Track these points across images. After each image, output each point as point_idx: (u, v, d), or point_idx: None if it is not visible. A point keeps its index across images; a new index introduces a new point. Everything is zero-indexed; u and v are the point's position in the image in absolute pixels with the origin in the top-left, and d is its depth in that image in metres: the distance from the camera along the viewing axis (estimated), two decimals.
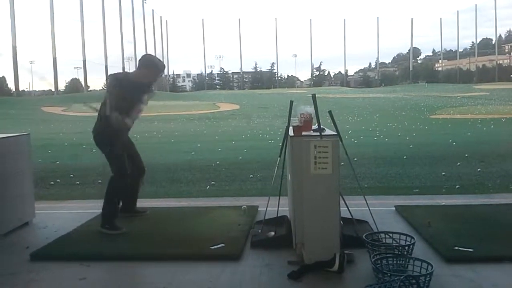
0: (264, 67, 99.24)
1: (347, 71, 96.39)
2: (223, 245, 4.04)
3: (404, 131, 16.28)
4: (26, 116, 28.23)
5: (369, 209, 4.33)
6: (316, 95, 4.12)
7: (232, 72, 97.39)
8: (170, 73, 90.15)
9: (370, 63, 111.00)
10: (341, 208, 3.80)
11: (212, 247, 3.99)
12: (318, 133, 3.79)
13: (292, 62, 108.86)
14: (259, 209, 5.13)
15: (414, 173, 7.69)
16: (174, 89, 78.82)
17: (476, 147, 10.75)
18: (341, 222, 3.97)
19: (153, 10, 76.43)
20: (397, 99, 38.36)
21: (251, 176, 7.79)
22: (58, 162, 9.95)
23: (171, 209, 5.55)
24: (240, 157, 10.02)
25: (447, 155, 9.48)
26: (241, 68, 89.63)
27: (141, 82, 4.74)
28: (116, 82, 4.70)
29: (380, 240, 3.82)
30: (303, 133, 3.98)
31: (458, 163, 8.42)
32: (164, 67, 4.95)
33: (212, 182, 7.34)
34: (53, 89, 59.30)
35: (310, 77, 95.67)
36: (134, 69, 5.04)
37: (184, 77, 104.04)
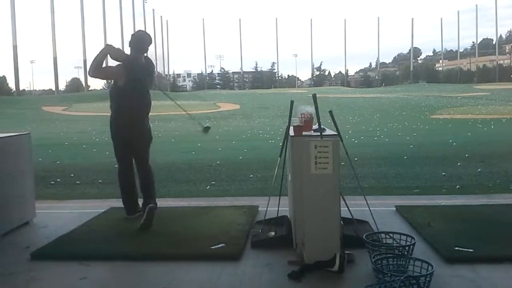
0: (265, 67, 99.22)
1: (347, 71, 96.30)
2: (223, 245, 4.04)
3: (404, 131, 16.27)
4: (26, 116, 28.22)
5: (370, 209, 4.34)
6: (317, 95, 4.12)
7: (233, 72, 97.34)
8: (171, 72, 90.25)
9: (370, 63, 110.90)
10: (341, 208, 3.80)
11: (213, 247, 3.99)
12: (319, 133, 3.79)
13: (292, 62, 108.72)
14: (259, 209, 5.13)
15: (415, 173, 7.69)
16: (174, 89, 78.72)
17: (477, 147, 10.75)
18: (342, 222, 3.97)
19: (153, 10, 76.32)
20: (398, 99, 38.32)
21: (251, 176, 7.79)
22: (58, 162, 9.95)
23: (171, 209, 5.55)
24: (241, 157, 10.02)
25: (447, 155, 9.48)
26: (241, 67, 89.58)
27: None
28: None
29: (380, 240, 3.82)
30: (304, 133, 3.99)
31: (459, 163, 8.42)
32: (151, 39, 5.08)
33: (212, 182, 7.34)
34: (54, 89, 59.30)
35: (310, 77, 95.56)
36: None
37: (184, 76, 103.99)
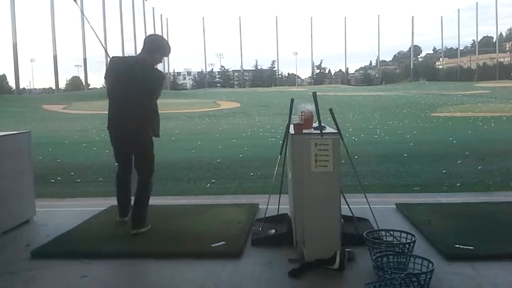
0: (265, 65, 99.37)
1: (347, 69, 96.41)
2: (223, 243, 4.04)
3: (404, 129, 16.27)
4: (26, 114, 28.23)
5: (370, 207, 4.33)
6: (317, 93, 4.12)
7: (233, 70, 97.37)
8: (171, 71, 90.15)
9: (370, 61, 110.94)
10: (341, 206, 3.80)
11: (213, 245, 3.99)
12: (319, 131, 3.79)
13: (292, 60, 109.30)
14: (259, 207, 5.13)
15: (415, 171, 7.69)
16: (174, 87, 78.73)
17: (477, 145, 10.75)
18: (342, 220, 3.96)
19: (153, 8, 76.39)
20: (398, 97, 38.31)
21: (251, 174, 7.79)
22: (58, 160, 9.96)
23: (171, 207, 5.55)
24: (241, 155, 10.03)
25: (447, 153, 9.48)
26: (241, 66, 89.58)
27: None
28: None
29: (380, 238, 3.82)
30: (304, 131, 3.98)
31: (459, 161, 8.42)
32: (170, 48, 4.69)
33: (213, 180, 7.34)
34: (54, 87, 59.29)
35: (310, 75, 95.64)
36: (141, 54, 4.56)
37: (184, 75, 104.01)
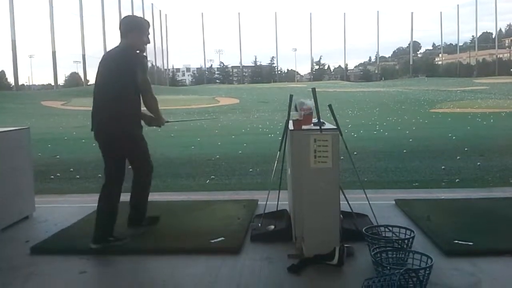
0: (264, 61, 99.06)
1: (347, 65, 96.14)
2: (223, 238, 4.05)
3: (404, 125, 16.26)
4: (25, 110, 28.19)
5: (369, 203, 4.34)
6: (316, 89, 4.12)
7: (232, 66, 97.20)
8: (170, 67, 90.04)
9: (370, 57, 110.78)
10: (341, 202, 3.80)
11: (212, 241, 4.00)
12: (318, 127, 3.78)
13: (292, 56, 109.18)
14: (259, 203, 5.14)
15: (414, 167, 7.70)
16: (173, 83, 78.65)
17: (476, 141, 10.75)
18: (341, 215, 3.97)
19: (152, 4, 76.06)
20: (397, 93, 38.29)
21: (250, 170, 7.79)
22: (58, 156, 9.95)
23: (170, 203, 5.55)
24: (240, 151, 10.02)
25: (446, 149, 9.49)
26: (240, 62, 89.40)
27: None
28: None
29: (379, 233, 3.82)
30: (303, 127, 3.98)
31: (458, 157, 8.43)
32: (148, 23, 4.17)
33: (212, 176, 7.34)
34: (53, 83, 59.22)
35: (310, 71, 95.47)
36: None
37: (183, 71, 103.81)
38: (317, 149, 3.49)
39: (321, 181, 3.53)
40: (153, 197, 5.81)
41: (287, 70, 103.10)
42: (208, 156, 9.37)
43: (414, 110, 23.64)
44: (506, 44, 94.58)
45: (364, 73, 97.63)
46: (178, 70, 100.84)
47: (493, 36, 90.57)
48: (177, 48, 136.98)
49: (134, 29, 4.03)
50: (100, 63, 4.06)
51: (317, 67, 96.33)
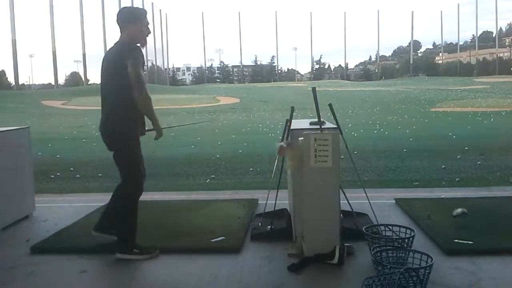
0: (264, 60, 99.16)
1: (347, 64, 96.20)
2: (223, 238, 4.05)
3: (404, 124, 16.26)
4: (26, 110, 28.21)
5: (369, 202, 4.34)
6: (316, 89, 4.11)
7: (232, 66, 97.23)
8: (170, 66, 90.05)
9: (370, 56, 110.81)
10: (341, 201, 3.80)
11: (212, 240, 4.00)
12: (319, 126, 3.78)
13: (292, 56, 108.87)
14: (259, 202, 5.14)
15: (414, 166, 7.69)
16: (174, 83, 78.69)
17: (476, 140, 10.75)
18: (341, 215, 3.97)
19: (152, 3, 75.98)
20: (397, 92, 38.30)
21: (251, 169, 7.79)
22: (58, 156, 9.96)
23: (171, 202, 5.55)
24: (240, 151, 10.03)
25: (447, 148, 9.49)
26: (241, 61, 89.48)
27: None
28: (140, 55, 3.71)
29: (380, 232, 3.83)
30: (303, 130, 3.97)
31: (458, 156, 8.43)
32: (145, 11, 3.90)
33: (212, 176, 7.34)
34: (53, 83, 59.23)
35: (310, 70, 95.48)
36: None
37: (184, 70, 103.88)
38: (318, 148, 3.49)
39: (321, 180, 3.53)
40: (153, 196, 5.83)
41: (288, 69, 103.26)
42: (208, 155, 9.37)
43: (415, 109, 23.65)
44: (507, 43, 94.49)
45: (365, 72, 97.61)
46: (178, 69, 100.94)
47: (494, 35, 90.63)
48: (177, 47, 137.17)
49: (132, 21, 3.73)
50: (101, 62, 3.86)
51: (317, 66, 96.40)
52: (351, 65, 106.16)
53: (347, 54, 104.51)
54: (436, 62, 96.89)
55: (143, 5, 71.03)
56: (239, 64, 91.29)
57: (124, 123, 3.67)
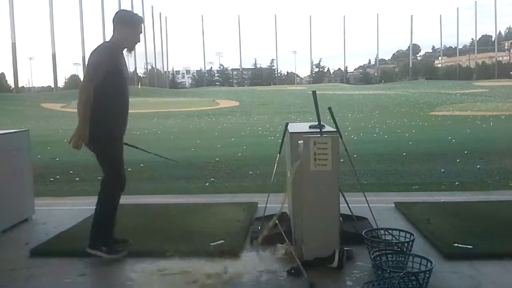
0: (264, 63, 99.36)
1: (346, 67, 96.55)
2: (222, 241, 4.04)
3: (403, 127, 16.28)
4: (25, 113, 28.22)
5: (369, 206, 4.33)
6: (316, 92, 4.12)
7: (232, 69, 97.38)
8: (170, 69, 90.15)
9: (369, 60, 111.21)
10: (340, 205, 3.80)
11: (212, 244, 3.99)
12: (318, 130, 3.78)
13: (291, 59, 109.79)
14: (258, 205, 5.13)
15: (414, 170, 7.70)
16: (173, 86, 78.81)
17: (476, 144, 10.76)
18: (341, 218, 3.96)
19: (152, 6, 76.34)
20: (397, 96, 38.36)
21: (250, 172, 7.79)
22: (57, 159, 9.95)
23: (170, 205, 5.54)
24: (240, 154, 10.03)
25: (446, 152, 9.49)
26: (240, 64, 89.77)
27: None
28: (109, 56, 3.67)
29: (379, 236, 3.82)
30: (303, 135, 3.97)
31: (458, 160, 8.43)
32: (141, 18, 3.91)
33: (212, 179, 7.33)
34: (53, 86, 59.27)
35: (309, 73, 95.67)
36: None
37: (183, 73, 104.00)
38: (317, 152, 3.49)
39: (320, 184, 3.53)
40: (152, 199, 5.84)
41: (287, 72, 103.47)
42: (207, 158, 9.37)
43: (414, 113, 23.68)
44: (506, 47, 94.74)
45: (364, 76, 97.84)
46: (178, 72, 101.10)
47: (493, 39, 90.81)
48: (177, 51, 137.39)
49: (127, 25, 3.74)
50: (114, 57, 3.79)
51: (316, 69, 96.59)
52: (350, 69, 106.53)
53: (346, 58, 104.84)
54: (436, 65, 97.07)
55: (143, 8, 71.29)
56: (239, 67, 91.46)
57: (97, 125, 3.64)
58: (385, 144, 11.43)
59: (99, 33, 61.02)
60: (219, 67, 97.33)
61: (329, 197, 3.56)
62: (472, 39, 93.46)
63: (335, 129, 4.03)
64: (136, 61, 74.07)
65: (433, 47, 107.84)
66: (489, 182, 6.62)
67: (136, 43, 3.84)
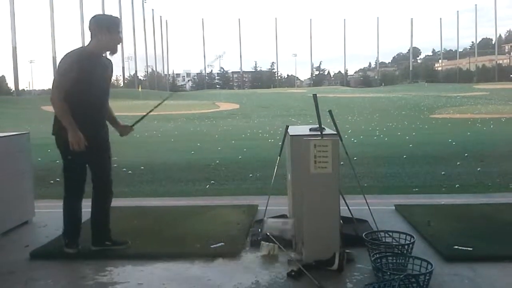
0: (264, 66, 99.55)
1: (347, 70, 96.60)
2: (222, 243, 4.04)
3: (403, 130, 16.28)
4: (26, 115, 28.23)
5: (369, 208, 4.34)
6: (316, 95, 4.12)
7: (232, 72, 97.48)
8: (170, 72, 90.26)
9: (370, 63, 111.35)
10: (341, 207, 3.80)
11: (212, 246, 3.99)
12: (319, 132, 3.79)
13: (292, 62, 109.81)
14: (258, 208, 5.13)
15: (414, 173, 7.70)
16: (174, 89, 78.81)
17: (476, 146, 10.76)
18: (341, 221, 3.96)
19: (153, 9, 76.67)
20: (397, 99, 38.36)
21: (250, 175, 7.79)
22: (58, 161, 9.90)
23: (171, 208, 5.54)
24: (240, 157, 10.02)
25: (446, 155, 9.49)
26: (241, 67, 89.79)
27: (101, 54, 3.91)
28: (79, 63, 3.75)
29: (379, 239, 3.82)
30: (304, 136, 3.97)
31: (458, 163, 8.43)
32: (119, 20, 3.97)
33: (212, 181, 7.33)
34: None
35: (310, 76, 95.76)
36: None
37: (184, 76, 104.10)
38: (317, 154, 3.50)
39: (321, 186, 3.53)
40: (152, 202, 5.84)
41: (287, 75, 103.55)
42: (208, 161, 9.37)
43: (414, 116, 23.69)
44: (506, 50, 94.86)
45: (364, 79, 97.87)
46: (178, 75, 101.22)
47: (493, 42, 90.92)
48: (178, 54, 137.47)
49: (109, 29, 3.77)
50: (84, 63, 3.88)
51: (317, 72, 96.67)
52: (350, 72, 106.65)
53: (347, 61, 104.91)
54: (436, 68, 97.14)
55: (143, 12, 71.55)
56: (239, 70, 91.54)
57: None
58: (385, 147, 11.43)
59: None
60: (220, 70, 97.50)
61: (330, 200, 3.56)
62: (472, 42, 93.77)
63: (335, 132, 4.03)
64: (136, 64, 74.27)
65: (434, 50, 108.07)
66: (490, 185, 6.62)
67: (118, 44, 3.93)
